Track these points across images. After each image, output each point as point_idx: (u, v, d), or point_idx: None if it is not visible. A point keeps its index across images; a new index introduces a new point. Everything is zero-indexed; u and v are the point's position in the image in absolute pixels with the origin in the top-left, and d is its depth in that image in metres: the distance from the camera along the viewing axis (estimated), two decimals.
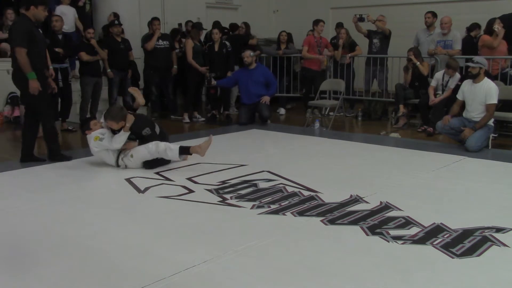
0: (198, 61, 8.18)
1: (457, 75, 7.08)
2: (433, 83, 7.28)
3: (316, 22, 8.89)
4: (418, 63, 7.55)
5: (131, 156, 5.00)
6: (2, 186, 4.50)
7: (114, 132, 5.00)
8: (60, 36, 7.21)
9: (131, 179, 4.66)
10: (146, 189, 4.38)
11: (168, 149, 4.98)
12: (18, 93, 6.86)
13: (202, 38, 9.10)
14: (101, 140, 4.94)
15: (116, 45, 7.94)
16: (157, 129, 5.25)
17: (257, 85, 7.81)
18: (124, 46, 8.06)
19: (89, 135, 5.04)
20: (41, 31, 5.43)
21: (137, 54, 8.94)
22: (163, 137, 5.23)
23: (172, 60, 8.29)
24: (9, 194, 4.26)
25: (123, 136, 4.95)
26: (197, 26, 8.56)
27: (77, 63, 7.77)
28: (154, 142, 4.99)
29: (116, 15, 8.77)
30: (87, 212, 3.86)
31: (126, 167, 5.02)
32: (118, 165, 5.02)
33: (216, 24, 8.81)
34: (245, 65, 7.91)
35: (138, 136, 5.07)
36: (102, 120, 5.13)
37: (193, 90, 8.36)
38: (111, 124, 4.93)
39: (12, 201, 4.06)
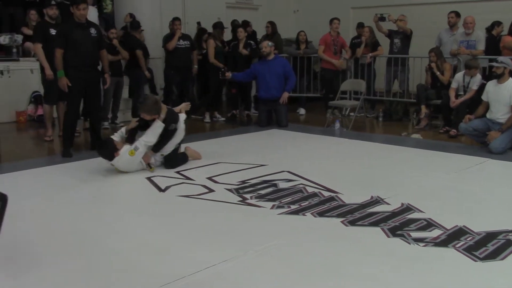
0: (219, 61, 8.20)
1: (478, 76, 6.96)
2: (453, 84, 7.16)
3: (331, 21, 8.82)
4: (438, 73, 7.45)
5: (162, 155, 5.06)
6: (25, 185, 4.57)
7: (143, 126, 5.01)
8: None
9: (152, 178, 4.70)
10: (167, 188, 4.41)
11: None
12: (42, 92, 7.01)
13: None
14: (136, 149, 4.80)
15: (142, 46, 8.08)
16: (181, 136, 5.24)
17: (276, 77, 7.66)
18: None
19: (122, 157, 4.79)
20: (93, 31, 5.67)
21: (158, 54, 9.00)
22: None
23: (192, 60, 8.33)
24: (31, 192, 4.32)
25: (159, 128, 4.91)
26: (219, 26, 8.56)
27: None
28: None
29: (132, 16, 8.80)
30: (108, 210, 3.90)
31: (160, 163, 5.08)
32: (150, 167, 4.99)
33: (243, 23, 8.85)
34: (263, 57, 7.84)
35: (164, 130, 5.01)
36: (116, 138, 5.05)
37: (215, 90, 8.38)
38: (144, 116, 4.93)
39: (34, 199, 4.11)
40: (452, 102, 6.98)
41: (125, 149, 4.81)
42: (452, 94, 7.06)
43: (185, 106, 5.57)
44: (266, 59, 7.74)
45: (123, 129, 5.15)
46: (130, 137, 5.03)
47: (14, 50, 8.10)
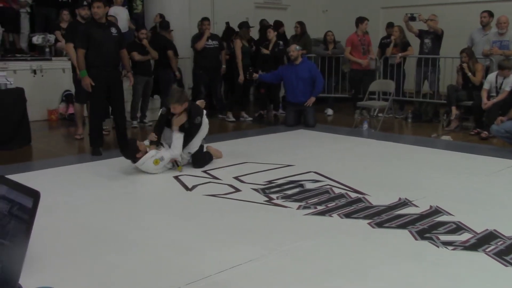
0: (245, 61, 8.22)
1: None
2: (486, 85, 7.02)
3: (361, 20, 8.70)
4: (470, 74, 7.31)
5: (189, 153, 5.08)
6: (55, 181, 4.65)
7: (168, 122, 5.02)
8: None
9: (179, 177, 4.74)
10: (194, 187, 4.44)
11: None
12: (73, 91, 7.15)
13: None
14: (162, 159, 4.82)
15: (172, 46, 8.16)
16: (206, 130, 5.23)
17: (303, 82, 7.64)
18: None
19: (145, 163, 4.81)
20: (113, 30, 5.69)
21: (187, 54, 9.07)
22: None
23: (221, 60, 8.37)
24: (62, 189, 4.40)
25: (179, 139, 4.91)
26: (245, 25, 8.55)
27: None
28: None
29: (162, 16, 8.90)
30: (135, 208, 3.95)
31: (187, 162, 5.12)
32: (178, 165, 5.01)
33: (275, 24, 8.92)
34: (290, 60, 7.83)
35: (189, 124, 5.00)
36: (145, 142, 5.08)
37: (241, 90, 8.41)
38: (175, 107, 4.89)
39: (64, 196, 4.19)
40: (484, 104, 6.85)
41: (150, 155, 4.81)
42: (484, 95, 6.93)
43: (200, 103, 5.52)
44: (294, 63, 7.73)
45: (146, 143, 5.13)
46: (158, 134, 5.06)
47: (47, 49, 8.27)
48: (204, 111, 5.26)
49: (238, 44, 8.23)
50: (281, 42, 8.46)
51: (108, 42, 5.59)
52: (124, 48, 5.94)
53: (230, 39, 8.88)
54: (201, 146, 5.24)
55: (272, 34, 8.33)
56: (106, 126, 6.77)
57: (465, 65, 7.37)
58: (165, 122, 5.07)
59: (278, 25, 9.26)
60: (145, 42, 7.68)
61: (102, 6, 5.55)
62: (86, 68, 5.55)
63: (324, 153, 5.87)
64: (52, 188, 4.33)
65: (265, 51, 8.22)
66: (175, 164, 4.97)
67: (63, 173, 4.99)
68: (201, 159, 5.16)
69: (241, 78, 8.15)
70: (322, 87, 8.02)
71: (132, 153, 4.83)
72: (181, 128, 4.99)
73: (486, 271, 2.80)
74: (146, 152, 4.83)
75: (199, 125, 5.07)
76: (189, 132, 5.02)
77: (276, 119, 8.43)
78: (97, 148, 5.72)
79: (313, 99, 7.66)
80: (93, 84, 5.54)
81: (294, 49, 7.70)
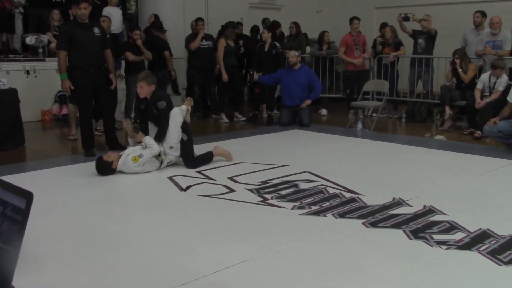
0: (230, 61, 8.18)
1: (505, 76, 6.84)
2: (479, 85, 7.05)
3: (351, 20, 8.74)
4: (461, 70, 7.34)
5: (170, 148, 5.02)
6: (49, 182, 4.64)
7: (141, 110, 5.13)
8: (107, 37, 7.40)
9: (173, 177, 4.73)
10: (188, 187, 4.44)
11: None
12: None
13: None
14: (141, 156, 4.81)
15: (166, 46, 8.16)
16: (179, 119, 5.11)
17: (300, 87, 7.68)
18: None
19: (124, 163, 4.79)
20: (96, 30, 5.62)
21: (181, 54, 9.07)
22: (186, 129, 5.20)
23: (215, 60, 8.36)
24: (56, 190, 4.38)
25: (148, 138, 4.94)
26: (231, 25, 8.47)
27: (123, 62, 7.94)
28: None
29: (156, 17, 8.89)
30: (130, 209, 3.94)
31: (171, 162, 5.08)
32: (162, 165, 5.03)
33: (272, 24, 8.93)
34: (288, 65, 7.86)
35: (153, 108, 5.02)
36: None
37: (227, 89, 8.38)
38: (142, 85, 4.99)
39: (57, 197, 4.17)
40: (477, 103, 6.88)
41: (127, 153, 4.84)
42: (477, 95, 6.96)
43: (188, 101, 5.50)
44: (292, 68, 7.75)
45: (132, 142, 5.21)
46: (143, 130, 5.12)
47: (40, 50, 8.24)
48: (184, 108, 5.24)
49: (221, 43, 8.18)
50: (278, 44, 8.45)
51: (91, 43, 5.53)
52: (108, 48, 5.85)
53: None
54: (190, 143, 5.17)
55: (266, 35, 8.33)
56: (100, 127, 6.75)
57: (457, 60, 7.39)
58: (141, 113, 5.19)
59: (275, 26, 9.26)
60: (139, 42, 7.67)
61: (88, 8, 5.48)
62: (70, 69, 5.50)
63: (318, 153, 5.88)
64: (46, 189, 4.32)
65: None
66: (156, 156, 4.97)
67: (57, 174, 4.96)
68: (192, 159, 5.14)
69: (225, 77, 8.11)
70: (320, 92, 8.05)
71: (108, 169, 4.79)
72: (143, 112, 5.14)
73: (479, 270, 2.81)
74: (120, 156, 4.83)
75: (164, 111, 5.01)
76: (154, 118, 5.04)
77: (270, 119, 8.44)
78: (90, 150, 5.67)
79: (309, 101, 7.67)
80: (72, 87, 5.48)
81: (293, 55, 7.72)
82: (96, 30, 5.64)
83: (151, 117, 5.11)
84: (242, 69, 9.01)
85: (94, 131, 6.25)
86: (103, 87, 5.74)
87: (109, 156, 4.83)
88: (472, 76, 7.38)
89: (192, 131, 5.32)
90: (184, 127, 5.13)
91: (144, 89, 5.04)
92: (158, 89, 5.22)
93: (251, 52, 8.72)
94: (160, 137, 5.00)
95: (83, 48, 5.47)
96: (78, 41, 5.45)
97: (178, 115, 5.06)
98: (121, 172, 4.85)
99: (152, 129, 5.12)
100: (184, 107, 5.29)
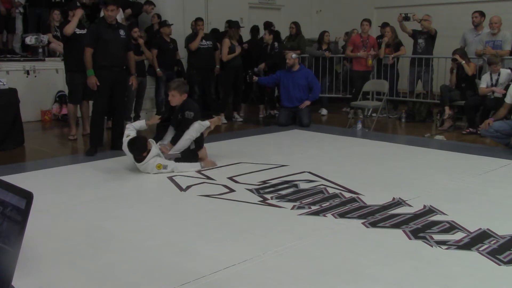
0: (234, 62, 8.19)
1: (506, 71, 6.88)
2: (482, 84, 7.07)
3: (361, 22, 8.76)
4: (464, 61, 7.35)
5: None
6: (49, 182, 4.64)
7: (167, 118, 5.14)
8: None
9: (173, 177, 4.73)
10: (188, 187, 4.44)
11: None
12: (66, 91, 7.12)
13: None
14: (165, 167, 4.82)
15: (165, 45, 8.14)
16: (194, 135, 5.15)
17: (299, 89, 7.69)
18: (173, 46, 8.28)
19: (147, 162, 4.79)
20: (122, 32, 5.77)
21: (181, 54, 9.06)
22: (199, 140, 5.24)
23: (215, 60, 8.36)
24: (56, 190, 4.39)
25: (178, 167, 4.91)
26: (235, 25, 8.49)
27: None
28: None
29: (159, 17, 8.91)
30: (130, 209, 3.93)
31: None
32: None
33: (265, 25, 8.92)
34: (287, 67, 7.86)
35: (179, 114, 5.05)
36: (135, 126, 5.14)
37: (228, 89, 8.39)
38: (174, 94, 5.04)
39: (58, 196, 4.18)
40: (481, 89, 6.93)
41: (153, 154, 4.81)
42: (484, 91, 7.00)
43: (217, 120, 5.55)
44: (291, 69, 7.75)
45: (143, 122, 5.21)
46: (161, 132, 5.17)
47: (40, 50, 8.24)
48: (206, 123, 5.24)
49: (226, 42, 8.18)
50: (276, 45, 8.46)
51: (116, 43, 5.69)
52: (131, 51, 6.02)
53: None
54: (194, 153, 5.20)
55: (268, 37, 8.37)
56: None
57: (457, 55, 7.39)
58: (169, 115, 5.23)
59: (269, 26, 9.26)
60: (140, 42, 7.66)
61: (116, 9, 5.67)
62: (94, 67, 5.61)
63: (318, 153, 5.88)
64: (46, 189, 4.32)
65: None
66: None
67: (57, 174, 4.96)
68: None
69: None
70: (319, 93, 8.05)
71: (141, 150, 4.79)
72: (172, 120, 5.18)
73: (479, 270, 2.81)
74: (149, 151, 4.84)
75: (189, 121, 5.08)
76: (179, 125, 5.09)
77: (270, 118, 8.48)
78: (94, 148, 5.70)
79: (308, 102, 7.68)
80: (99, 84, 5.61)
81: (290, 57, 7.72)
82: (122, 32, 5.79)
83: (174, 121, 5.19)
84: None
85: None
86: (120, 87, 5.85)
87: (149, 144, 4.86)
88: (474, 70, 7.40)
89: (203, 144, 5.33)
90: (197, 139, 5.19)
91: (176, 98, 5.09)
92: (189, 99, 5.30)
93: (251, 53, 8.73)
94: (175, 141, 5.10)
95: (108, 48, 5.63)
96: (104, 40, 5.61)
97: (195, 131, 5.10)
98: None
99: (170, 131, 5.22)
100: (207, 123, 5.26)
